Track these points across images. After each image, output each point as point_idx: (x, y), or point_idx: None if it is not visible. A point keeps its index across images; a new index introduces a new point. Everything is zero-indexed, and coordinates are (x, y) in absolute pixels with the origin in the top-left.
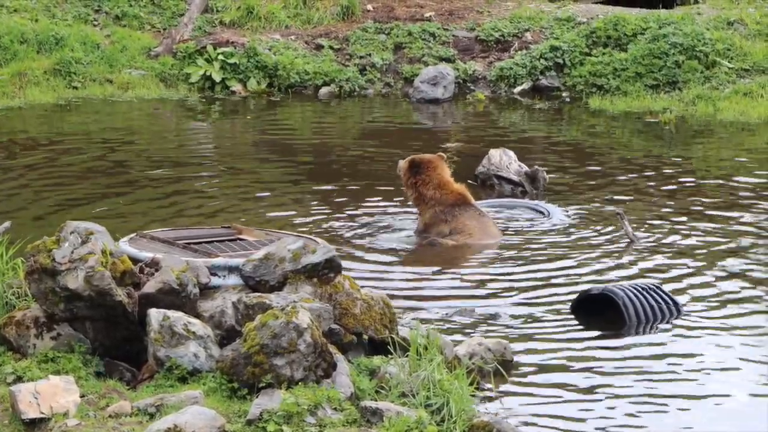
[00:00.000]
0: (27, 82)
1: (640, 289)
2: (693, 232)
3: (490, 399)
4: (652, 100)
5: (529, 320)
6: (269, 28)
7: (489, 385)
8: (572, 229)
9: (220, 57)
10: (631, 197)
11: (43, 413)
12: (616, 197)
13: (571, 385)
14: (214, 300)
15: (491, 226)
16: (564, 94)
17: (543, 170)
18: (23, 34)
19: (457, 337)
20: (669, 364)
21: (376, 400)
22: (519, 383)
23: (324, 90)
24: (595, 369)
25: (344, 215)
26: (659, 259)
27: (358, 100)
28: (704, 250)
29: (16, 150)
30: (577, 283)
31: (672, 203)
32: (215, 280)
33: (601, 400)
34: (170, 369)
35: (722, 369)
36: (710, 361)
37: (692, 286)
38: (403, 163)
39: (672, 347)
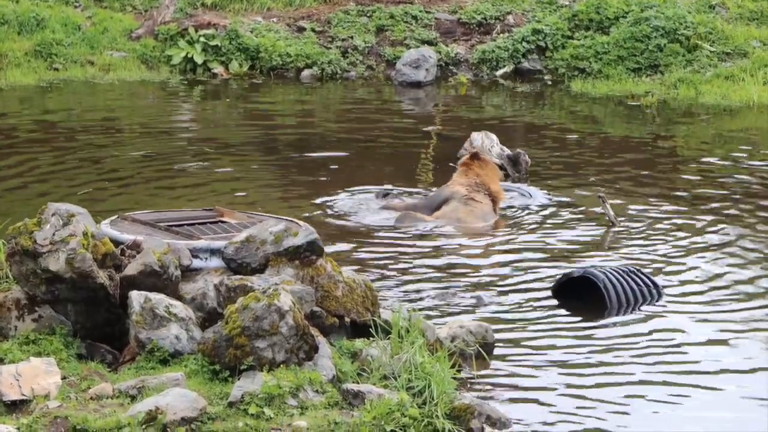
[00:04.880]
0: (8, 64)
1: (621, 272)
2: (674, 215)
3: (472, 381)
4: (633, 84)
5: (510, 303)
6: (251, 10)
7: (470, 368)
8: (554, 212)
9: (202, 39)
10: (613, 180)
11: (24, 395)
12: (597, 180)
13: (552, 368)
14: (196, 282)
15: (494, 220)
16: (546, 77)
17: (525, 153)
18: (4, 16)
19: (439, 320)
20: (650, 347)
21: (357, 383)
22: (500, 366)
23: (306, 72)
24: (575, 352)
25: (326, 197)
26: (640, 242)
27: (340, 82)
28: (685, 233)
29: None
30: (558, 266)
31: (653, 186)
32: (197, 263)
33: (581, 383)
34: (152, 351)
35: (704, 352)
36: (692, 345)
37: (673, 269)
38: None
39: (653, 331)
